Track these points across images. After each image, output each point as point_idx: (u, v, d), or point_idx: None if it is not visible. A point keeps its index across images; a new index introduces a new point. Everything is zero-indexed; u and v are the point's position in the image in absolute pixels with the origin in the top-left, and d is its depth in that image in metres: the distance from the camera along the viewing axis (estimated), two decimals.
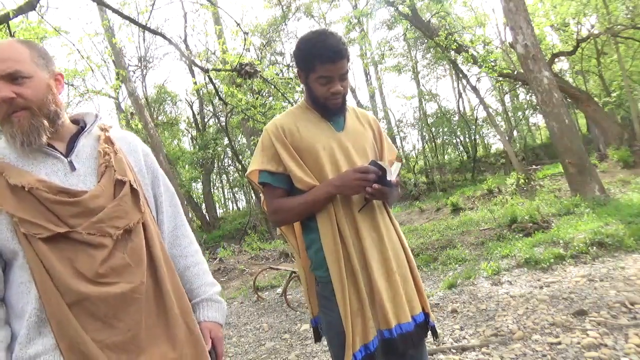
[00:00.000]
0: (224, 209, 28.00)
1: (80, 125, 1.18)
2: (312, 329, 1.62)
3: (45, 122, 1.05)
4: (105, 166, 1.09)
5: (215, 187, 25.70)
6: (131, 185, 1.10)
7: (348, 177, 1.37)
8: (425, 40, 14.95)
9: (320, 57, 1.38)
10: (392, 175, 1.37)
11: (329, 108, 1.47)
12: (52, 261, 0.96)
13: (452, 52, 12.13)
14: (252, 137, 13.90)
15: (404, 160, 18.93)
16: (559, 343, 2.68)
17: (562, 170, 8.06)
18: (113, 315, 0.99)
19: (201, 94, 17.52)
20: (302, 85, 1.70)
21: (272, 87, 8.15)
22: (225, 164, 24.09)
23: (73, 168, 1.07)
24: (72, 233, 0.99)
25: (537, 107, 13.09)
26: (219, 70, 8.15)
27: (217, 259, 9.78)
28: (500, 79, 12.95)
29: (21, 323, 0.98)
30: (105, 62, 16.95)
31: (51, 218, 0.99)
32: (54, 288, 0.95)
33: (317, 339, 1.61)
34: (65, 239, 0.98)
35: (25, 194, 0.99)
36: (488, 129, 20.29)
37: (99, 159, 1.11)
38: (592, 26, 13.45)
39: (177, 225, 1.27)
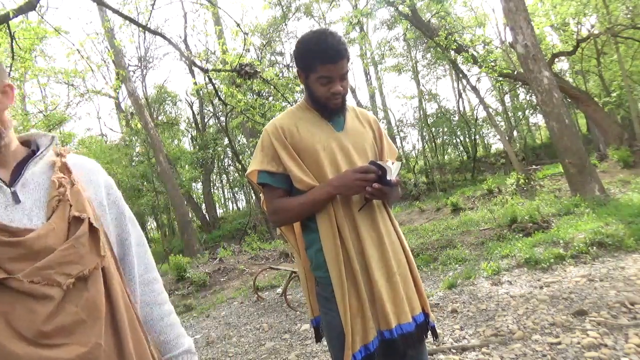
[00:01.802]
0: (224, 209, 28.03)
1: (31, 149, 1.00)
2: (312, 329, 1.62)
3: None
4: (58, 200, 0.90)
5: (215, 187, 25.73)
6: (90, 224, 0.91)
7: (348, 177, 1.37)
8: (425, 40, 14.95)
9: (321, 57, 1.38)
10: (392, 175, 1.37)
11: (329, 108, 1.47)
12: None
13: (452, 52, 12.13)
14: (252, 138, 13.92)
15: (404, 160, 18.95)
16: (559, 343, 2.68)
17: (562, 170, 8.06)
18: None
19: (201, 94, 17.52)
20: (301, 86, 1.69)
21: (272, 87, 8.15)
22: (225, 164, 24.11)
23: (17, 200, 0.88)
24: (9, 280, 0.78)
25: (537, 107, 13.10)
26: (219, 70, 8.15)
27: (217, 259, 9.78)
28: (500, 79, 12.95)
29: None
30: (105, 62, 16.97)
31: None
32: None
33: (318, 339, 1.61)
34: (0, 287, 0.78)
35: None
36: (488, 129, 20.30)
37: (51, 190, 0.91)
38: (592, 26, 13.45)
39: (147, 268, 1.09)
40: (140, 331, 0.94)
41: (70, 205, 0.90)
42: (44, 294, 0.80)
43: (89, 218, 0.91)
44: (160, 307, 1.07)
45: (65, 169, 0.97)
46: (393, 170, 1.38)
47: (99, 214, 0.98)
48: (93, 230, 0.91)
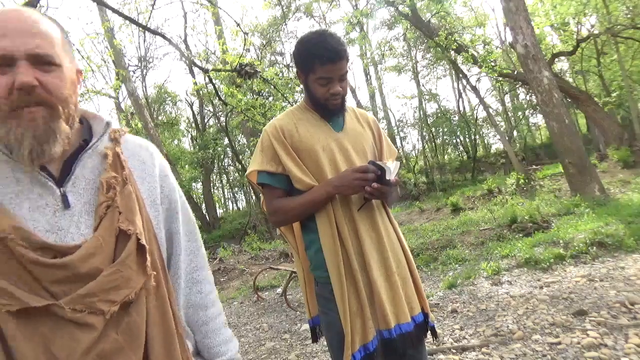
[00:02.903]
0: (224, 209, 28.05)
1: (83, 137, 0.86)
2: (309, 329, 1.63)
3: (65, 128, 0.77)
4: (107, 206, 0.79)
5: (215, 187, 25.76)
6: (138, 240, 0.80)
7: (347, 177, 1.37)
8: (425, 40, 14.95)
9: (320, 58, 1.38)
10: (391, 175, 1.37)
11: (328, 109, 1.47)
12: (20, 344, 0.68)
13: (452, 52, 12.13)
14: (252, 138, 13.93)
15: (403, 160, 18.95)
16: (559, 343, 2.68)
17: (562, 170, 8.06)
18: None
19: (201, 94, 17.53)
20: (301, 85, 1.69)
21: (272, 87, 8.15)
22: (225, 164, 24.14)
23: (67, 204, 0.77)
24: (52, 307, 0.71)
25: (537, 107, 13.10)
26: (219, 70, 8.15)
27: (217, 259, 9.78)
28: (500, 79, 12.96)
29: None
30: (105, 62, 16.98)
31: (27, 281, 0.71)
32: None
33: (315, 339, 1.62)
34: (43, 312, 0.71)
35: None
36: (488, 129, 20.34)
37: (100, 194, 0.80)
38: (592, 26, 13.46)
39: (197, 266, 0.99)
40: (179, 353, 0.84)
41: (120, 213, 0.79)
42: (86, 323, 0.73)
43: (136, 233, 0.80)
44: (206, 310, 0.98)
45: (117, 163, 0.84)
46: (392, 170, 1.38)
47: (150, 215, 0.87)
48: (141, 248, 0.80)
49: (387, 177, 1.36)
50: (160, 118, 20.60)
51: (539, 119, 21.79)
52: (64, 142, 0.77)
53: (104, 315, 0.74)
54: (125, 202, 0.81)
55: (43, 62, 0.74)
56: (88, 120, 0.89)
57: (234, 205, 28.31)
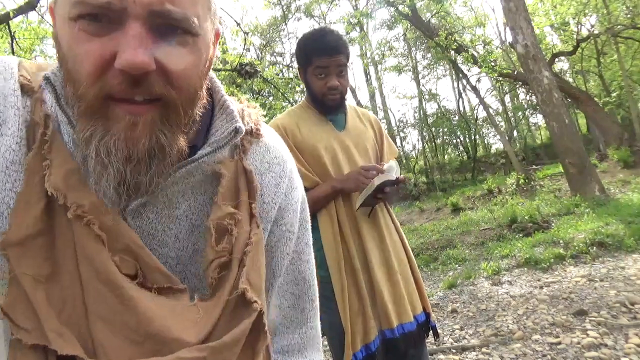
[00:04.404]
0: None
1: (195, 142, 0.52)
2: None
3: (181, 144, 0.46)
4: (219, 267, 0.48)
5: None
6: (260, 316, 0.49)
7: (353, 173, 1.40)
8: (425, 40, 14.95)
9: (317, 51, 1.41)
10: (396, 174, 1.40)
11: (326, 104, 1.48)
12: None
13: (452, 52, 12.13)
14: None
15: (404, 161, 18.97)
16: (559, 343, 2.68)
17: (562, 170, 8.07)
18: None
19: None
20: (302, 85, 1.72)
21: (272, 87, 8.15)
22: None
23: None
24: None
25: (537, 107, 13.11)
26: (219, 70, 8.15)
27: None
28: (500, 79, 12.96)
29: None
30: None
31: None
32: None
33: None
34: None
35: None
36: (488, 129, 20.34)
37: (207, 248, 0.49)
38: (592, 26, 13.47)
39: (290, 346, 0.63)
40: None
41: (243, 267, 0.49)
42: None
43: (261, 310, 0.49)
44: None
45: (238, 188, 0.52)
46: (395, 169, 1.40)
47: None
48: (256, 329, 0.49)
49: (394, 177, 1.38)
50: None
51: (539, 119, 21.81)
52: (169, 166, 0.46)
53: None
54: (253, 254, 0.50)
55: (172, 28, 0.42)
56: (214, 114, 0.55)
57: None
